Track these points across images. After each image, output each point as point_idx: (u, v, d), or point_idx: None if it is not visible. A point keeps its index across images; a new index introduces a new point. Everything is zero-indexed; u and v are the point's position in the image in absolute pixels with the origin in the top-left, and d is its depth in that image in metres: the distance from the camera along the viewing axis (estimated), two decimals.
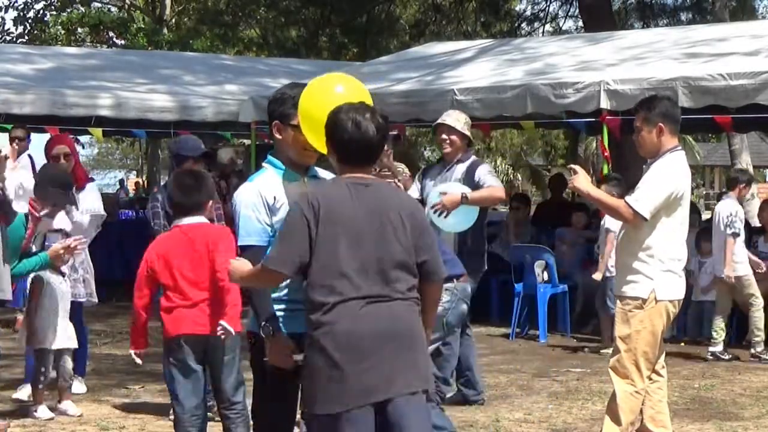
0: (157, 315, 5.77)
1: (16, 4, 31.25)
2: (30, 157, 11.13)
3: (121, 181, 43.16)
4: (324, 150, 4.30)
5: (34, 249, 7.03)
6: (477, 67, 13.99)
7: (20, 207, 7.24)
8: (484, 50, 15.78)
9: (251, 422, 5.11)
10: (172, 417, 6.11)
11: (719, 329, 10.25)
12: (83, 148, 37.41)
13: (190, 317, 5.67)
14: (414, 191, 7.98)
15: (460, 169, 7.87)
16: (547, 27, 28.20)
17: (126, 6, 34.81)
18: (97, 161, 66.25)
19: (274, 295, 4.40)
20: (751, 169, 21.73)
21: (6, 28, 31.88)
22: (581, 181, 6.03)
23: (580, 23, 23.55)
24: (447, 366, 6.77)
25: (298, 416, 4.58)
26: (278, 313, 4.40)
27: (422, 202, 7.55)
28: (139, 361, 5.93)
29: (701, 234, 11.21)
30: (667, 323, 6.00)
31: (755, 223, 12.53)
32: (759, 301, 10.32)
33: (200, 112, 14.97)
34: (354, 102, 4.21)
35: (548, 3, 27.71)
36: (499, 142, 42.76)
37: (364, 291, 4.04)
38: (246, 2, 29.47)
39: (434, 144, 11.32)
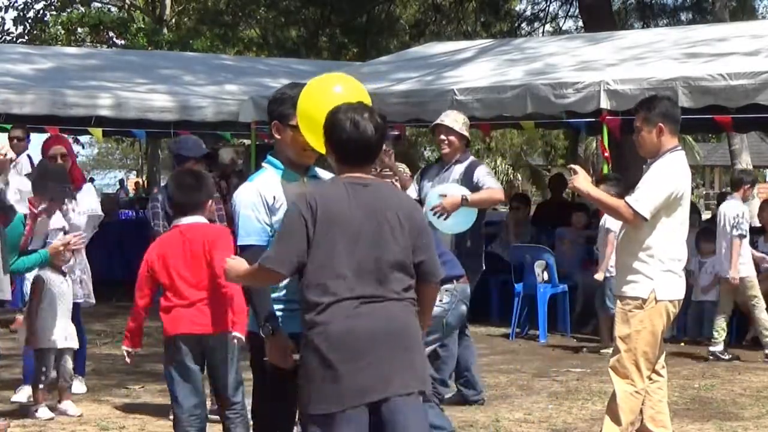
0: (158, 315, 5.78)
1: (16, 4, 31.26)
2: (29, 157, 11.12)
3: (121, 181, 43.19)
4: (323, 150, 4.31)
5: (30, 248, 7.03)
6: (477, 67, 13.99)
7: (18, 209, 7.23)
8: (484, 50, 15.78)
9: (251, 422, 5.11)
10: (172, 417, 6.11)
11: (720, 329, 10.25)
12: (83, 148, 37.48)
13: (187, 317, 5.67)
14: (412, 191, 7.98)
15: (458, 169, 7.87)
16: (547, 27, 28.21)
17: (126, 6, 34.80)
18: (97, 161, 66.27)
19: (273, 295, 4.41)
20: (751, 169, 21.75)
21: (6, 28, 31.91)
22: (581, 181, 6.03)
23: (580, 23, 23.56)
24: (445, 368, 6.77)
25: (298, 416, 4.58)
26: (277, 313, 4.40)
27: (420, 202, 7.55)
28: (128, 359, 5.94)
29: (701, 234, 11.22)
30: (667, 323, 6.00)
31: (755, 223, 12.53)
32: (762, 303, 10.32)
33: (200, 112, 14.97)
34: (352, 102, 4.21)
35: (548, 3, 27.74)
36: (499, 142, 42.75)
37: (359, 291, 4.05)
38: (246, 2, 29.47)
39: (434, 144, 11.34)
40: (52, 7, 31.92)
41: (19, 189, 9.03)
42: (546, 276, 11.50)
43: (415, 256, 4.16)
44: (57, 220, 7.54)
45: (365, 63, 18.17)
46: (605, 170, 12.03)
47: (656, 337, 5.92)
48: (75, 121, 14.62)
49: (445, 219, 7.43)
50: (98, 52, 23.98)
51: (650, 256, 5.87)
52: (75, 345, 7.59)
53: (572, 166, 6.28)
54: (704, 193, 44.68)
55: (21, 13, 31.21)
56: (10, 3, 31.25)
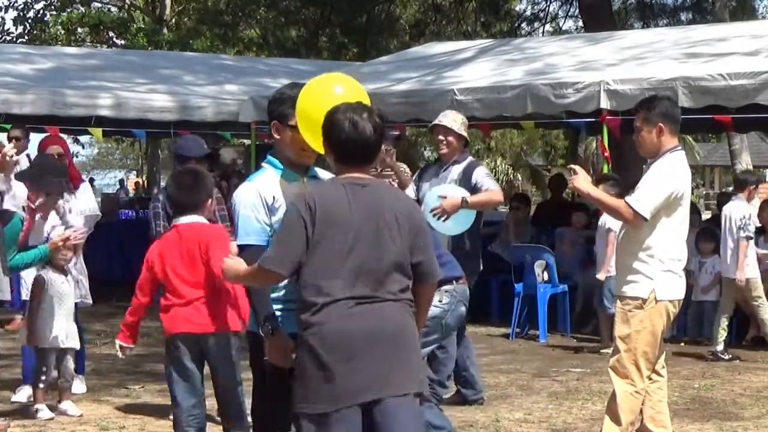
0: (158, 315, 5.79)
1: (16, 4, 31.26)
2: (28, 157, 11.10)
3: (121, 181, 43.21)
4: (322, 150, 4.30)
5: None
6: (477, 67, 13.99)
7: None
8: (484, 50, 15.78)
9: (250, 422, 5.11)
10: (172, 417, 6.12)
11: (721, 329, 10.24)
12: (83, 148, 37.47)
13: (185, 316, 5.68)
14: (410, 192, 7.98)
15: (456, 170, 7.87)
16: (547, 27, 28.21)
17: (126, 6, 34.81)
18: (97, 161, 66.30)
19: (272, 295, 4.41)
20: (751, 169, 21.75)
21: (6, 28, 31.92)
22: (581, 181, 6.03)
23: (580, 23, 23.56)
24: (443, 369, 6.78)
25: None
26: (277, 313, 4.40)
27: (418, 202, 7.55)
28: (120, 354, 5.94)
29: (701, 234, 11.21)
30: (667, 323, 6.00)
31: (756, 222, 12.53)
32: (766, 304, 10.32)
33: (200, 112, 14.97)
34: (351, 102, 4.20)
35: (548, 3, 27.74)
36: (499, 142, 42.75)
37: (355, 292, 4.04)
38: (246, 2, 29.47)
39: (433, 144, 11.34)
40: (52, 7, 31.93)
41: (15, 194, 9.01)
42: (546, 276, 11.50)
43: (413, 256, 4.16)
44: (54, 221, 7.55)
45: (365, 63, 18.17)
46: (605, 170, 12.03)
47: (656, 337, 5.92)
48: (75, 121, 14.62)
49: (444, 221, 7.42)
50: (98, 52, 23.98)
51: (650, 256, 5.87)
52: (76, 345, 7.59)
53: (572, 166, 6.28)
54: (704, 193, 44.69)
55: (21, 13, 31.22)
56: (10, 3, 31.27)
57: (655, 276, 5.86)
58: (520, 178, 47.82)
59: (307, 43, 28.39)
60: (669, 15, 26.25)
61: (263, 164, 4.66)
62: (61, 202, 7.87)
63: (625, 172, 14.24)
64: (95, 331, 10.89)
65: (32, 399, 7.61)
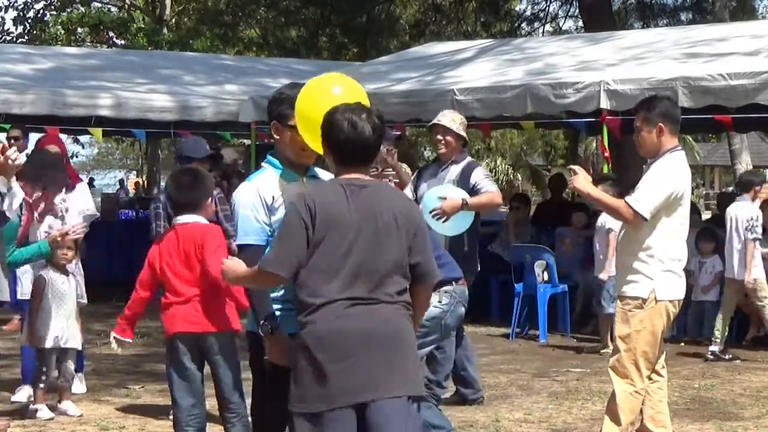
0: (158, 315, 5.80)
1: (16, 4, 31.26)
2: (27, 156, 11.09)
3: (121, 181, 43.18)
4: (320, 151, 4.30)
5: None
6: (477, 67, 13.99)
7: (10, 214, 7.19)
8: (484, 50, 15.78)
9: (250, 422, 5.12)
10: (171, 417, 6.12)
11: (721, 329, 10.22)
12: (83, 148, 37.45)
13: (184, 316, 5.70)
14: (407, 192, 7.97)
15: (454, 170, 7.85)
16: (547, 27, 28.21)
17: (126, 6, 34.81)
18: (97, 161, 66.27)
19: (272, 295, 4.41)
20: (751, 169, 21.76)
21: (6, 28, 31.91)
22: (581, 181, 6.03)
23: (580, 23, 23.55)
24: (441, 370, 6.78)
25: None
26: (276, 313, 4.40)
27: (416, 202, 7.54)
28: (115, 346, 5.94)
29: (701, 234, 11.21)
30: (667, 323, 6.00)
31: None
32: None
33: (200, 112, 14.97)
34: (350, 102, 4.20)
35: (548, 3, 27.74)
36: (499, 142, 42.75)
37: (351, 293, 4.04)
38: (246, 2, 29.47)
39: (433, 144, 11.29)
40: (52, 7, 31.92)
41: (16, 196, 9.00)
42: (546, 276, 11.50)
43: (411, 257, 4.15)
44: (51, 223, 7.55)
45: (365, 63, 18.17)
46: (605, 170, 12.03)
47: (656, 337, 5.92)
48: (75, 121, 14.63)
49: (444, 222, 7.41)
50: (98, 52, 23.98)
51: (650, 256, 5.87)
52: (77, 346, 7.58)
53: (572, 166, 6.28)
54: (704, 193, 44.70)
55: (21, 13, 31.21)
56: (10, 3, 31.26)
57: (655, 276, 5.86)
58: (520, 178, 47.82)
59: (307, 43, 28.39)
60: (669, 15, 26.25)
61: (263, 164, 4.66)
62: (57, 201, 7.88)
63: (625, 172, 14.26)
64: (95, 331, 10.89)
65: (32, 399, 7.61)
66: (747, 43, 12.36)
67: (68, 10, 31.26)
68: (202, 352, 5.76)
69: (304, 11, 28.14)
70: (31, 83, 14.53)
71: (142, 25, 30.57)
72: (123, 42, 30.29)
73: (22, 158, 5.90)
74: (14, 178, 6.21)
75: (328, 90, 4.34)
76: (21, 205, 6.93)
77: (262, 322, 4.38)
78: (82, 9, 30.98)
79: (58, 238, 6.82)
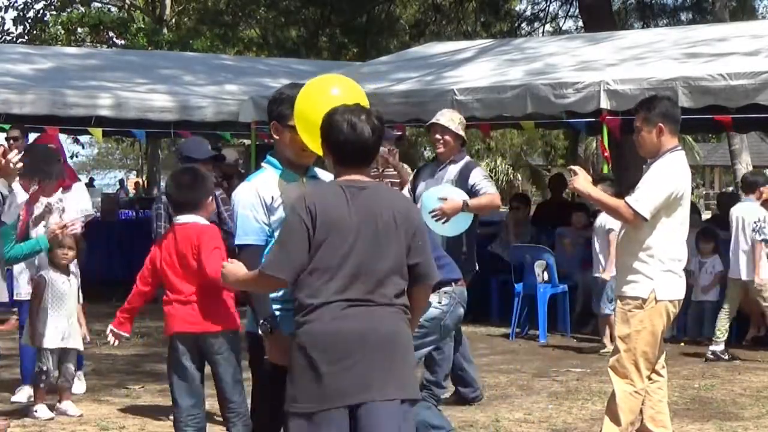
0: (158, 315, 5.81)
1: (16, 4, 31.27)
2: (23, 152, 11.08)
3: (121, 181, 43.19)
4: (320, 152, 4.30)
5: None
6: (477, 67, 13.99)
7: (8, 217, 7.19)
8: (484, 50, 15.78)
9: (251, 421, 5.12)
10: (172, 417, 6.13)
11: (723, 329, 10.21)
12: (83, 148, 37.45)
13: (182, 315, 5.71)
14: (404, 192, 7.97)
15: (453, 169, 7.84)
16: (547, 27, 28.21)
17: (126, 6, 34.82)
18: (97, 161, 66.30)
19: (271, 295, 4.41)
20: (751, 169, 21.77)
21: (6, 28, 31.94)
22: (581, 182, 6.03)
23: (580, 23, 23.56)
24: (440, 370, 6.80)
25: None
26: (276, 313, 4.40)
27: (414, 201, 7.54)
28: (112, 339, 5.94)
29: (701, 234, 11.21)
30: (667, 323, 6.00)
31: None
32: None
33: (200, 112, 14.98)
34: (349, 104, 4.20)
35: (548, 3, 27.74)
36: (499, 142, 42.77)
37: (349, 294, 4.04)
38: (246, 2, 29.48)
39: (432, 143, 11.22)
40: (52, 7, 31.93)
41: (17, 198, 9.01)
42: (546, 276, 11.50)
43: (410, 257, 4.15)
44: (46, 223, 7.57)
45: (365, 63, 18.17)
46: (605, 170, 12.04)
47: (656, 337, 5.92)
48: (75, 121, 14.63)
49: (444, 223, 7.39)
50: (98, 52, 23.99)
51: (650, 256, 5.87)
52: (78, 346, 7.57)
53: (572, 167, 6.28)
54: (704, 193, 44.73)
55: (21, 13, 31.23)
56: (10, 3, 31.27)
57: (655, 276, 5.86)
58: (520, 178, 47.84)
59: (307, 43, 28.39)
60: (669, 15, 26.25)
61: (263, 164, 4.66)
62: (54, 200, 7.88)
63: (625, 172, 14.28)
64: (95, 331, 10.83)
65: (32, 399, 7.61)
66: (747, 43, 12.36)
67: (68, 10, 31.28)
68: (201, 352, 5.76)
69: (304, 11, 28.14)
70: (31, 83, 14.53)
71: (142, 25, 30.59)
72: (123, 42, 30.31)
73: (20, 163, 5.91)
74: (16, 179, 6.22)
75: (327, 91, 4.34)
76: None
77: (261, 321, 4.38)
78: (82, 9, 30.99)
79: (57, 232, 6.78)
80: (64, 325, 7.44)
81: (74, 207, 7.96)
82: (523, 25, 28.40)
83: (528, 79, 12.48)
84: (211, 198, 5.99)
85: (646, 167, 6.19)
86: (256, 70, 18.22)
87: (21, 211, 6.97)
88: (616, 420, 5.91)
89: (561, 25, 29.16)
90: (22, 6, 31.27)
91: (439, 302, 6.01)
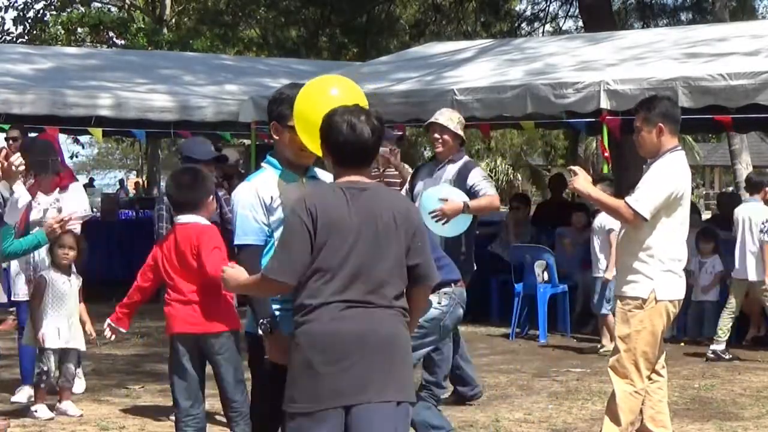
0: (158, 315, 5.81)
1: (16, 4, 31.28)
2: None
3: (121, 181, 43.18)
4: (319, 152, 4.30)
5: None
6: (477, 67, 13.99)
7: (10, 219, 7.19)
8: (484, 50, 15.77)
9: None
10: (173, 417, 6.13)
11: (725, 328, 10.20)
12: (83, 148, 37.45)
13: (182, 316, 5.71)
14: (402, 192, 7.97)
15: (451, 169, 7.82)
16: (547, 27, 28.21)
17: (126, 6, 34.82)
18: (97, 161, 66.32)
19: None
20: (750, 169, 21.77)
21: (6, 28, 31.95)
22: (581, 182, 6.03)
23: (580, 23, 23.55)
24: (439, 371, 6.79)
25: None
26: (276, 313, 4.41)
27: (411, 200, 7.53)
28: (109, 333, 5.95)
29: (701, 234, 11.21)
30: (667, 323, 6.00)
31: None
32: None
33: (200, 112, 14.98)
34: (349, 104, 4.20)
35: (548, 3, 27.74)
36: (499, 142, 42.76)
37: (348, 295, 4.04)
38: (246, 2, 29.48)
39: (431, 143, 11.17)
40: (52, 7, 31.94)
41: (18, 200, 9.00)
42: (546, 276, 11.50)
43: (409, 258, 4.15)
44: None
45: (365, 63, 18.17)
46: (605, 170, 12.03)
47: (656, 337, 5.92)
48: (75, 121, 14.63)
49: (444, 224, 7.38)
50: (98, 52, 23.99)
51: (650, 256, 5.87)
52: (79, 346, 7.57)
53: (572, 167, 6.28)
54: (704, 193, 44.72)
55: (21, 13, 31.23)
56: (10, 3, 31.29)
57: (655, 276, 5.86)
58: (520, 178, 47.85)
59: (307, 43, 28.39)
60: (669, 15, 26.25)
61: (263, 164, 4.66)
62: (51, 199, 7.87)
63: (625, 172, 14.27)
64: (95, 331, 10.88)
65: (32, 399, 7.61)
66: (747, 43, 12.36)
67: (68, 10, 31.28)
68: (202, 353, 5.76)
69: (304, 11, 28.14)
70: (31, 83, 14.53)
71: (142, 25, 30.59)
72: (123, 42, 30.31)
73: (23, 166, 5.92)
74: (19, 181, 6.21)
75: (326, 92, 4.34)
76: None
77: (261, 321, 4.38)
78: (82, 9, 31.00)
79: (55, 227, 6.72)
80: (64, 326, 7.44)
81: (71, 207, 7.94)
82: (523, 25, 28.41)
83: (528, 79, 12.47)
84: (211, 198, 5.98)
85: (646, 167, 6.19)
86: (256, 70, 18.22)
87: (22, 212, 6.95)
88: (616, 420, 5.91)
89: (561, 25, 29.20)
90: (22, 6, 31.29)
91: (439, 303, 6.01)
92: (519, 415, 7.74)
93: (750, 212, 10.29)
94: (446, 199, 7.40)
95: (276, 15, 29.05)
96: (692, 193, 10.34)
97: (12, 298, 7.98)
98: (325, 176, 4.62)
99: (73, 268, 7.70)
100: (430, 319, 5.88)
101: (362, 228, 4.08)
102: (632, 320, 5.90)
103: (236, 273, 4.30)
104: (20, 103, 13.70)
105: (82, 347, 7.62)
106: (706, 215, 20.32)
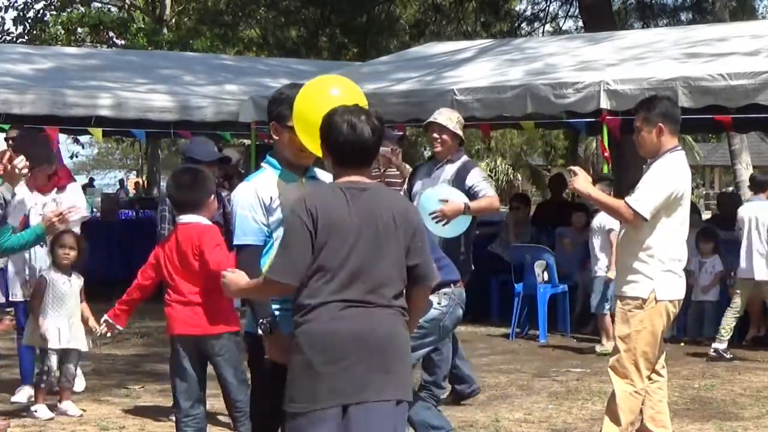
0: (157, 315, 5.81)
1: (16, 4, 31.28)
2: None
3: (121, 181, 43.17)
4: (318, 153, 4.30)
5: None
6: (477, 67, 13.99)
7: (12, 220, 7.18)
8: (484, 50, 15.77)
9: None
10: (174, 417, 6.13)
11: (729, 327, 10.19)
12: (83, 148, 37.45)
13: (183, 318, 5.71)
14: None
15: (450, 169, 7.80)
16: (547, 27, 28.21)
17: (126, 6, 34.83)
18: (97, 161, 66.32)
19: None
20: (750, 169, 21.77)
21: (6, 28, 31.96)
22: (581, 182, 6.03)
23: (580, 23, 23.55)
24: (439, 372, 6.81)
25: None
26: (276, 313, 4.41)
27: (410, 199, 7.52)
28: (103, 328, 5.94)
29: (701, 234, 11.21)
30: (667, 323, 6.00)
31: None
32: None
33: (200, 112, 14.98)
34: (349, 104, 4.19)
35: (548, 3, 27.74)
36: (499, 142, 42.76)
37: (346, 295, 4.04)
38: (246, 2, 29.48)
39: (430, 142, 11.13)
40: (52, 7, 31.94)
41: (20, 202, 9.01)
42: (546, 276, 11.50)
43: (409, 258, 4.15)
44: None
45: (365, 63, 18.17)
46: (605, 170, 12.04)
47: (656, 337, 5.92)
48: (75, 121, 14.63)
49: (444, 225, 7.37)
50: (98, 52, 23.99)
51: (650, 256, 5.88)
52: (79, 346, 7.55)
53: (572, 167, 6.28)
54: (704, 193, 44.71)
55: (21, 13, 31.24)
56: (10, 3, 31.29)
57: (655, 276, 5.87)
58: (520, 178, 47.85)
59: (307, 43, 28.39)
60: (669, 15, 26.25)
61: (262, 164, 4.66)
62: (48, 199, 7.87)
63: (625, 172, 14.27)
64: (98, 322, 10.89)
65: (32, 399, 7.61)
66: (747, 43, 12.36)
67: (68, 10, 31.29)
68: (203, 354, 5.76)
69: (304, 11, 28.14)
70: (31, 83, 14.53)
71: (142, 25, 30.59)
72: (123, 42, 30.31)
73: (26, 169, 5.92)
74: (21, 182, 6.21)
75: (326, 92, 4.34)
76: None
77: (261, 321, 4.38)
78: (82, 9, 31.00)
79: (54, 220, 6.69)
80: (65, 326, 7.45)
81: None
82: (523, 25, 28.41)
83: (528, 79, 12.47)
84: (212, 197, 5.97)
85: (646, 167, 6.18)
86: (256, 70, 18.22)
87: (23, 214, 6.96)
88: (616, 420, 5.91)
89: (561, 25, 29.20)
90: (22, 6, 31.29)
91: (439, 303, 6.01)
92: (519, 415, 7.74)
93: (756, 211, 10.29)
94: (447, 200, 7.38)
95: (276, 15, 29.05)
96: (692, 193, 10.34)
97: (9, 299, 7.98)
98: (325, 176, 4.62)
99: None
100: (430, 320, 5.88)
101: (362, 228, 4.08)
102: (632, 320, 5.90)
103: (237, 277, 4.30)
104: (20, 103, 13.70)
105: (83, 347, 7.61)
106: (706, 215, 20.31)
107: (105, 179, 58.98)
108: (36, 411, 7.43)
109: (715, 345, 10.16)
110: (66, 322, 7.46)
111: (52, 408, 7.51)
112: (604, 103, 11.39)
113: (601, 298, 10.51)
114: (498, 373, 9.39)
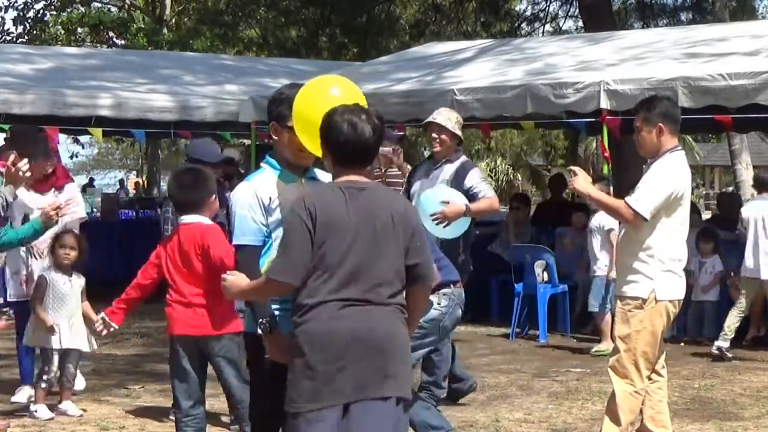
0: (157, 315, 5.80)
1: (16, 4, 31.27)
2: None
3: (121, 181, 43.17)
4: (318, 153, 4.30)
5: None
6: (477, 67, 13.99)
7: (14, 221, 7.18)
8: (484, 50, 15.77)
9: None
10: (172, 417, 6.13)
11: (733, 326, 10.16)
12: (83, 148, 37.47)
13: (183, 318, 5.70)
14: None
15: (448, 169, 7.79)
16: (547, 27, 28.21)
17: (126, 6, 34.83)
18: (97, 161, 66.32)
19: None
20: (750, 169, 21.79)
21: (6, 28, 31.95)
22: (581, 182, 6.03)
23: (580, 23, 23.55)
24: (438, 372, 6.80)
25: None
26: (275, 313, 4.41)
27: (408, 199, 7.52)
28: (100, 326, 5.93)
29: (701, 234, 11.21)
30: (667, 323, 6.01)
31: None
32: None
33: (200, 112, 14.97)
34: (349, 104, 4.19)
35: (548, 3, 27.74)
36: (499, 142, 42.77)
37: (345, 294, 4.05)
38: (246, 2, 29.48)
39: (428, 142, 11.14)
40: (52, 7, 31.94)
41: (21, 203, 9.01)
42: (546, 276, 11.50)
43: (408, 258, 4.15)
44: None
45: (365, 63, 18.17)
46: (605, 170, 12.03)
47: (656, 337, 5.92)
48: (75, 121, 14.62)
49: (444, 227, 7.37)
50: (98, 52, 23.99)
51: (650, 256, 5.88)
52: (79, 346, 7.55)
53: (572, 167, 6.28)
54: (704, 193, 44.72)
55: (21, 13, 31.23)
56: (10, 3, 31.29)
57: (655, 276, 5.87)
58: (520, 178, 47.87)
59: (307, 43, 28.39)
60: (669, 15, 26.24)
61: (262, 164, 4.66)
62: (47, 199, 7.86)
63: (625, 172, 14.28)
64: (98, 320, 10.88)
65: (32, 399, 7.61)
66: (747, 43, 12.36)
67: (68, 10, 31.28)
68: (203, 355, 5.76)
69: (304, 11, 28.14)
70: (31, 83, 14.53)
71: (142, 25, 30.59)
72: (123, 42, 30.31)
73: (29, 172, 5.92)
74: (23, 186, 6.21)
75: (326, 91, 4.34)
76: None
77: (260, 321, 4.38)
78: (82, 9, 31.00)
79: (51, 213, 6.66)
80: (65, 326, 7.44)
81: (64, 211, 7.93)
82: (523, 25, 28.40)
83: (528, 79, 12.47)
84: (214, 197, 5.97)
85: (646, 167, 6.19)
86: (256, 70, 18.22)
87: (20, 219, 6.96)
88: (616, 420, 5.91)
89: (561, 25, 29.20)
90: (22, 6, 31.29)
91: (439, 303, 6.02)
92: (519, 415, 7.74)
93: (761, 211, 10.29)
94: (448, 201, 7.36)
95: (276, 15, 29.05)
96: (692, 193, 10.34)
97: (8, 299, 7.98)
98: (325, 177, 4.62)
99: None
100: (430, 320, 5.89)
101: (360, 227, 4.08)
102: (632, 320, 5.90)
103: (237, 279, 4.30)
104: (20, 103, 13.70)
105: (84, 348, 7.61)
106: (706, 215, 20.31)
107: (105, 179, 59.02)
108: (36, 411, 7.44)
109: (718, 343, 10.12)
110: (66, 322, 7.46)
111: (52, 408, 7.51)
112: (604, 103, 11.39)
113: (597, 297, 10.52)
114: (498, 373, 9.39)
